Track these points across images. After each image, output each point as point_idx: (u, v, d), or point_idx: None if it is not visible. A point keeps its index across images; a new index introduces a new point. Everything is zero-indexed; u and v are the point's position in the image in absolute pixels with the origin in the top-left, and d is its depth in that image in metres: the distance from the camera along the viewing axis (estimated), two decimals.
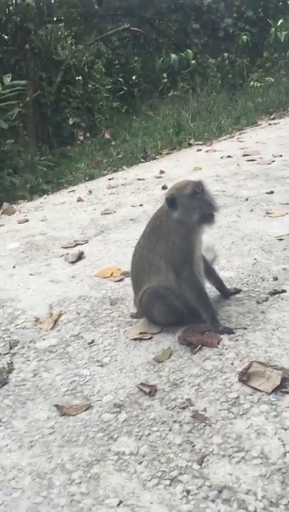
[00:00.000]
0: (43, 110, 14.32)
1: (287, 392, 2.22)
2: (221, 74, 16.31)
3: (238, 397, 2.24)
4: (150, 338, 2.81)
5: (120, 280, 3.57)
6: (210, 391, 2.30)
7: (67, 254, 4.18)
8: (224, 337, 2.72)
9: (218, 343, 2.66)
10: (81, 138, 12.05)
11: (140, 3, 17.72)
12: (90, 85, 14.94)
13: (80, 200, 6.17)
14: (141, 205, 5.42)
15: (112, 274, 3.70)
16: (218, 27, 17.58)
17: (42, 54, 14.67)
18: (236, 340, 2.69)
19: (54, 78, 14.61)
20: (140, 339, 2.81)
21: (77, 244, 4.45)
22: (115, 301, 3.33)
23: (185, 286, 2.78)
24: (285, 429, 2.00)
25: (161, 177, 6.80)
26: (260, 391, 2.25)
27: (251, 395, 2.24)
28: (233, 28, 17.27)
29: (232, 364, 2.48)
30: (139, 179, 6.91)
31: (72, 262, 4.04)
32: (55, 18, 15.42)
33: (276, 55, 17.03)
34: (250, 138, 8.87)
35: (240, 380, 2.34)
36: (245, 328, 2.78)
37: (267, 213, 4.60)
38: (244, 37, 16.57)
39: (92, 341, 2.86)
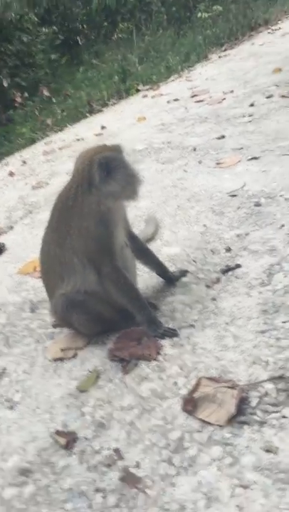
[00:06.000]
0: None
1: (245, 423, 1.65)
2: (165, 8, 15.07)
3: (181, 438, 1.66)
4: (74, 356, 2.21)
5: None
6: (146, 432, 1.73)
7: None
8: (166, 343, 2.12)
9: (157, 354, 2.07)
10: (19, 99, 10.97)
11: None
12: (24, 39, 13.63)
13: (11, 174, 5.40)
14: None
15: (35, 268, 3.04)
16: None
17: None
18: (181, 345, 2.09)
19: None
20: (61, 359, 2.20)
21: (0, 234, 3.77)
22: (37, 305, 2.70)
23: (109, 284, 2.14)
24: (245, 487, 1.44)
25: (101, 134, 6.02)
26: (210, 424, 1.68)
27: (199, 431, 1.67)
28: None
29: (175, 384, 1.89)
30: (78, 139, 6.12)
31: None
32: None
33: None
34: (200, 75, 8.02)
35: (184, 409, 1.76)
36: (193, 326, 2.19)
37: (217, 164, 3.93)
38: None
39: (4, 370, 2.24)
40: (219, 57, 9.44)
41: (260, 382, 1.78)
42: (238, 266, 2.53)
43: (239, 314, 2.18)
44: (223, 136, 4.51)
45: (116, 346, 2.16)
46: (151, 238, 3.03)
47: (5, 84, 11.22)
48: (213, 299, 2.34)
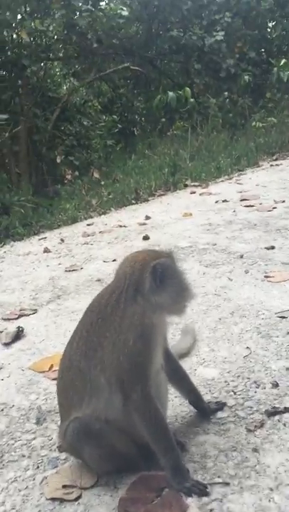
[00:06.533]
0: (37, 147, 13.76)
1: None
2: (221, 114, 15.77)
3: None
4: (77, 499, 1.78)
5: None
6: None
7: (3, 331, 3.20)
8: (192, 502, 1.69)
9: None
10: (69, 177, 11.25)
11: (142, 44, 17.44)
12: (84, 123, 14.39)
13: (46, 250, 5.23)
14: (114, 260, 4.46)
15: (51, 366, 2.70)
16: (220, 67, 17.15)
17: (37, 91, 14.26)
18: (211, 511, 1.66)
19: (50, 115, 14.09)
20: (61, 500, 1.79)
21: (21, 316, 3.47)
22: (45, 415, 2.32)
23: (135, 413, 1.77)
24: None
25: (145, 224, 5.88)
26: None
27: None
28: (235, 69, 16.82)
29: None
30: (120, 226, 5.99)
31: (6, 344, 3.05)
32: (50, 55, 15.01)
33: (279, 96, 16.56)
34: (250, 180, 8.00)
35: None
36: (227, 484, 1.76)
37: (266, 276, 3.63)
38: (246, 77, 16.08)
39: None
40: (271, 165, 9.51)
41: None
42: (287, 410, 2.12)
43: (287, 479, 1.75)
44: (272, 247, 4.26)
45: (129, 495, 1.74)
46: (186, 353, 2.67)
47: (58, 160, 11.63)
48: (255, 450, 1.92)
